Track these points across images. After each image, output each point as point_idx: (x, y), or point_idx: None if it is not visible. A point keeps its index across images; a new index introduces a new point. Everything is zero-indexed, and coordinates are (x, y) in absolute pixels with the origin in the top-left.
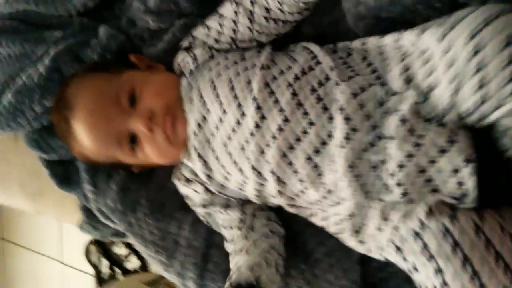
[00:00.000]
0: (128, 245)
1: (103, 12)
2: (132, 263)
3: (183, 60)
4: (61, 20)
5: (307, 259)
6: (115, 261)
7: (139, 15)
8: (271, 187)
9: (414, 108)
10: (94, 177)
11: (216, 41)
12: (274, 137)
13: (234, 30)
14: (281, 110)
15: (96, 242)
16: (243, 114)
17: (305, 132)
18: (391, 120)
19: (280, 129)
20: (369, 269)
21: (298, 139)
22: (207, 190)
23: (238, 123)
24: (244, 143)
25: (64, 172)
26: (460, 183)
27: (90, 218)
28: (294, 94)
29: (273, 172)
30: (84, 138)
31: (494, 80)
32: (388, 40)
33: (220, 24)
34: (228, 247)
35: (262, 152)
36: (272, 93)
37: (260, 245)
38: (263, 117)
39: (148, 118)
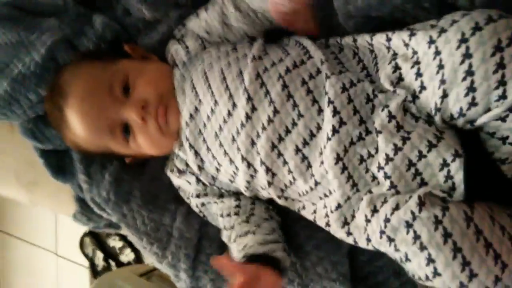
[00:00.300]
0: (123, 238)
1: (99, 1)
2: (127, 255)
3: (176, 51)
4: (57, 8)
5: (298, 252)
6: (110, 254)
7: (135, 5)
8: (261, 178)
9: (402, 106)
10: (88, 167)
11: (208, 33)
12: (264, 128)
13: (225, 23)
14: (271, 101)
15: (91, 234)
16: (234, 105)
17: (294, 124)
18: (379, 115)
19: (270, 120)
20: (358, 263)
21: (288, 131)
22: (199, 181)
23: (229, 114)
24: (235, 134)
25: (59, 162)
26: (447, 177)
27: (84, 208)
28: (285, 86)
29: (263, 163)
30: (77, 127)
31: (481, 86)
32: (379, 39)
33: (212, 17)
34: (226, 235)
35: (252, 142)
36: (263, 84)
37: (265, 227)
38: (253, 108)
39: (141, 107)
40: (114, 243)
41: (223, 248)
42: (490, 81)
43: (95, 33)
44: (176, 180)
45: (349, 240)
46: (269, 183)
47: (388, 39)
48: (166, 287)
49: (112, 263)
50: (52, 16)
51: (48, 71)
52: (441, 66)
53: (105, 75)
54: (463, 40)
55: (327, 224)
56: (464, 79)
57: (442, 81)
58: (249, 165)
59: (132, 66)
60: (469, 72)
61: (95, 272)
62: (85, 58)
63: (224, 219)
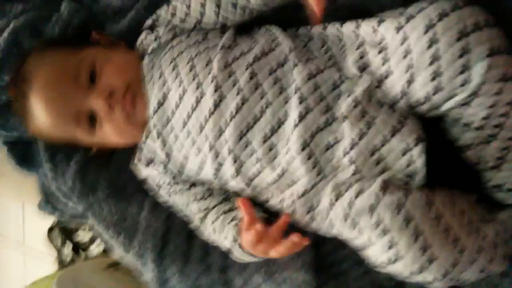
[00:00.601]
0: (92, 229)
1: None
2: (96, 247)
3: (145, 37)
4: None
5: None
6: (79, 245)
7: None
8: (229, 167)
9: (367, 92)
10: (54, 156)
11: (181, 20)
12: (232, 116)
13: (201, 13)
14: (240, 90)
15: (60, 225)
16: (202, 93)
17: (262, 112)
18: (344, 101)
19: (238, 109)
20: (322, 253)
21: (256, 119)
22: (168, 169)
23: (198, 101)
24: (203, 122)
25: (25, 151)
26: (410, 162)
27: (49, 198)
28: (253, 74)
29: (231, 151)
30: (42, 115)
31: (446, 72)
32: (347, 28)
33: (187, 6)
34: (200, 217)
35: (220, 131)
36: (231, 73)
37: None
38: (222, 96)
39: (108, 95)
40: (83, 234)
41: (190, 238)
42: (455, 66)
43: (61, 19)
44: (144, 171)
45: (313, 227)
46: (237, 172)
47: (358, 26)
48: (131, 279)
49: (81, 255)
50: (19, 1)
51: (12, 56)
52: (408, 51)
53: (71, 63)
54: (430, 26)
55: (293, 212)
56: (430, 63)
57: (409, 66)
58: (217, 153)
59: (99, 53)
60: (436, 57)
61: (63, 263)
62: (51, 45)
63: (199, 202)
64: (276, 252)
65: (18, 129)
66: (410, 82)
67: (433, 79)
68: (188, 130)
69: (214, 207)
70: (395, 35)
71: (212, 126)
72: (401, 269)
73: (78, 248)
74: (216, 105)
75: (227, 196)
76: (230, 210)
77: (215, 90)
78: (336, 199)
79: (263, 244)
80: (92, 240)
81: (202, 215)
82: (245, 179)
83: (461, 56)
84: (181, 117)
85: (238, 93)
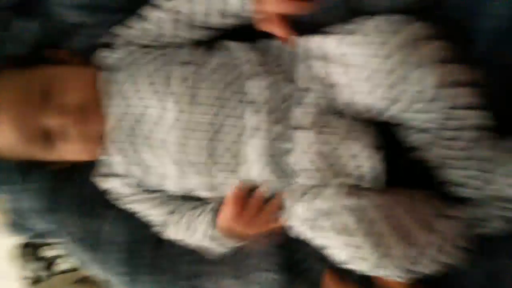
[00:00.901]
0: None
1: (21, 6)
2: (63, 264)
3: (103, 54)
4: None
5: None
6: (45, 263)
7: (60, 9)
8: (192, 179)
9: (316, 102)
10: (14, 175)
11: (139, 38)
12: (193, 130)
13: (160, 34)
14: (200, 104)
15: (24, 244)
16: (163, 108)
17: (221, 125)
18: (296, 112)
19: (199, 122)
20: (288, 252)
21: (216, 131)
22: (125, 184)
23: (160, 117)
24: (166, 136)
25: None
26: (360, 166)
27: (19, 218)
28: (212, 88)
29: (193, 164)
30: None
31: (399, 84)
32: (300, 42)
33: (143, 27)
34: (163, 221)
35: (182, 144)
36: (190, 87)
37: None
38: (182, 111)
39: (59, 114)
40: (50, 252)
41: (157, 249)
42: (407, 78)
43: (15, 37)
44: (104, 184)
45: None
46: (201, 183)
47: (307, 42)
48: None
49: (48, 273)
50: None
51: None
52: (358, 66)
53: (23, 83)
54: (384, 42)
55: None
56: (385, 76)
57: (352, 79)
58: (179, 166)
59: (52, 72)
60: (389, 70)
61: (29, 283)
62: (2, 65)
63: (161, 208)
64: (256, 225)
65: None
66: (354, 93)
67: (374, 90)
68: (150, 145)
69: (175, 209)
70: (344, 49)
71: (173, 140)
72: (360, 265)
73: (45, 266)
74: (177, 119)
75: (186, 197)
76: (194, 208)
77: (175, 105)
78: (296, 203)
79: (243, 217)
80: (58, 257)
81: (165, 218)
82: (210, 187)
83: (412, 69)
84: (143, 133)
85: (197, 108)
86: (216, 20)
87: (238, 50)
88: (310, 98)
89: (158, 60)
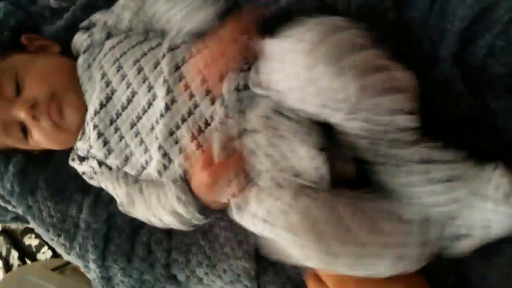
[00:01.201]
0: (39, 235)
1: None
2: (44, 253)
3: (80, 39)
4: None
5: (207, 235)
6: (26, 252)
7: None
8: (177, 168)
9: (266, 105)
10: None
11: (117, 23)
12: (184, 120)
13: (129, 27)
14: (192, 95)
15: (5, 233)
16: (154, 95)
17: (212, 117)
18: (250, 114)
19: (190, 113)
20: (260, 241)
21: (207, 123)
22: (103, 165)
23: (150, 104)
24: (154, 123)
25: None
26: (305, 167)
27: None
28: (204, 80)
29: (181, 152)
30: None
31: (327, 92)
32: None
33: (121, 12)
34: (128, 196)
35: (171, 132)
36: (182, 77)
37: None
38: (173, 100)
39: (30, 107)
40: (30, 241)
41: (133, 237)
42: (333, 86)
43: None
44: (79, 167)
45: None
46: (186, 173)
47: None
48: (79, 280)
49: (28, 262)
50: None
51: None
52: (290, 73)
53: None
54: (312, 49)
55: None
56: (312, 84)
57: (289, 86)
58: (165, 154)
59: (22, 62)
60: (314, 79)
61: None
62: None
63: (127, 187)
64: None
65: None
66: (301, 99)
67: (316, 97)
68: (137, 131)
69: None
70: (280, 54)
71: (162, 127)
72: (313, 265)
73: (26, 255)
74: (168, 108)
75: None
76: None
77: (167, 93)
78: (249, 203)
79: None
80: (39, 246)
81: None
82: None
83: (338, 77)
84: (130, 118)
85: (190, 98)
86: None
87: None
88: (262, 101)
89: (141, 45)
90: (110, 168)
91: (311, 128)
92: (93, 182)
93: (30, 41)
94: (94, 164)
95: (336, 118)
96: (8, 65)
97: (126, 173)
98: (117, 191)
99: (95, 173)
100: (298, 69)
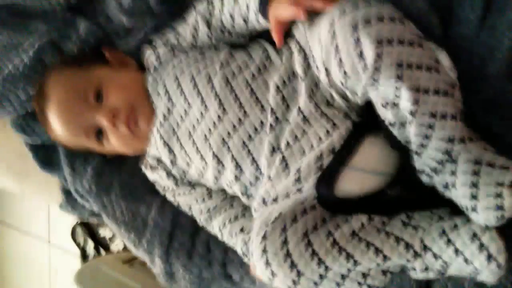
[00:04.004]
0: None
1: (84, 7)
2: (117, 244)
3: (148, 56)
4: (46, 14)
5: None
6: (100, 243)
7: (115, 13)
8: (229, 173)
9: (309, 93)
10: (72, 161)
11: (178, 41)
12: (235, 129)
13: (194, 36)
14: (241, 106)
15: (83, 224)
16: (206, 108)
17: (262, 124)
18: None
19: (240, 122)
20: None
21: (256, 130)
22: (171, 175)
23: (202, 115)
24: (207, 133)
25: (47, 155)
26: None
27: (69, 198)
28: (252, 92)
29: (234, 159)
30: (57, 128)
31: (346, 62)
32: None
33: (184, 29)
34: (205, 218)
35: (223, 141)
36: (232, 90)
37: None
38: (224, 111)
39: (112, 115)
40: (105, 232)
41: (194, 236)
42: (352, 55)
43: (79, 38)
44: (150, 175)
45: None
46: (236, 178)
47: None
48: (146, 273)
49: (103, 252)
50: (41, 21)
51: (36, 72)
52: (322, 48)
53: (81, 82)
54: (331, 24)
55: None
56: (334, 56)
57: (324, 60)
58: (219, 161)
59: (106, 74)
60: (337, 50)
61: (86, 260)
62: (67, 63)
63: (200, 205)
64: None
65: (40, 136)
66: (327, 74)
67: (340, 69)
68: (193, 141)
69: (215, 208)
70: (314, 36)
71: (216, 137)
72: (278, 284)
73: (100, 245)
74: (220, 119)
75: (226, 197)
76: (236, 218)
77: (219, 106)
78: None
79: None
80: (113, 237)
81: (206, 217)
82: (242, 187)
83: (355, 48)
84: (187, 129)
85: (239, 108)
86: (240, 24)
87: (273, 53)
88: (302, 90)
89: (198, 63)
90: (176, 181)
91: (338, 121)
92: (162, 192)
93: (112, 55)
94: (163, 174)
95: (359, 87)
96: (93, 76)
97: (198, 192)
98: (190, 207)
99: (170, 189)
100: (323, 43)
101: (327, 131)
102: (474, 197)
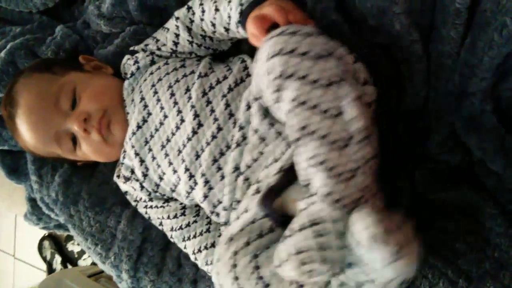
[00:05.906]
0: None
1: (62, 12)
2: (85, 260)
3: (126, 63)
4: (22, 17)
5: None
6: (68, 257)
7: (93, 19)
8: (199, 191)
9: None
10: (40, 169)
11: (158, 49)
12: (208, 143)
13: (175, 42)
14: (216, 119)
15: (50, 238)
16: (182, 120)
17: (232, 139)
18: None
19: (213, 136)
20: None
21: (228, 146)
22: (143, 187)
23: (177, 127)
24: (181, 146)
25: (14, 163)
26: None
27: (34, 208)
28: (227, 105)
29: (203, 175)
30: (26, 135)
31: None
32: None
33: (163, 35)
34: (176, 235)
35: (196, 155)
36: (208, 102)
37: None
38: (199, 124)
39: (83, 121)
40: (73, 247)
41: (165, 251)
42: (271, 85)
43: (54, 42)
44: (123, 186)
45: None
46: (205, 197)
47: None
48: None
49: (70, 267)
50: (18, 24)
51: (7, 74)
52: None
53: (53, 88)
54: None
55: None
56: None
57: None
58: (191, 176)
59: (80, 79)
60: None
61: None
62: (37, 68)
63: (172, 220)
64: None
65: (8, 141)
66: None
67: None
68: (166, 153)
69: (187, 225)
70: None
71: (189, 151)
72: None
73: (68, 260)
74: (194, 132)
75: (199, 215)
76: (212, 245)
77: (194, 118)
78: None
79: None
80: (81, 252)
81: (178, 234)
82: (210, 206)
83: (269, 73)
84: (160, 140)
85: (214, 122)
86: (222, 31)
87: (250, 64)
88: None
89: (177, 72)
90: (149, 193)
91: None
92: (133, 203)
93: (87, 61)
94: (137, 185)
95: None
96: (67, 81)
97: (170, 207)
98: (161, 221)
99: (143, 201)
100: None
101: (282, 152)
102: None
